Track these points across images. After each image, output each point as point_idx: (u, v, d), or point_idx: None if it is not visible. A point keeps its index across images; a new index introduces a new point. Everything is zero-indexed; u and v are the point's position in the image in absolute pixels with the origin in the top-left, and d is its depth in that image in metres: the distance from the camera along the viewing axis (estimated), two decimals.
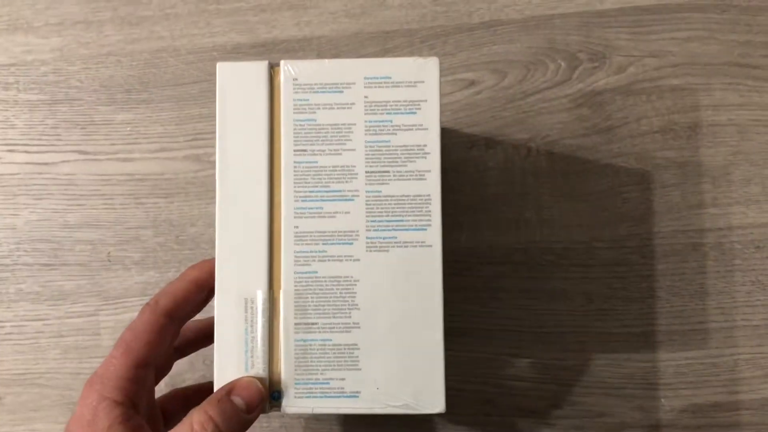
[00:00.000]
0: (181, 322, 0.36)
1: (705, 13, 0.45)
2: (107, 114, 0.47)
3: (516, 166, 0.45)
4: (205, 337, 0.40)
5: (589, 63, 0.45)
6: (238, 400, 0.32)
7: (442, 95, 0.46)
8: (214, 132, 0.46)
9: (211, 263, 0.35)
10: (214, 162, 0.46)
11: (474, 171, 0.45)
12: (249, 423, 0.32)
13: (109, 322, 0.46)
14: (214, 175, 0.46)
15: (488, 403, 0.44)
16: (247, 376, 0.33)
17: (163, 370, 0.38)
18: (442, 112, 0.46)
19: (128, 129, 0.47)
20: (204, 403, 0.31)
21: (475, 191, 0.45)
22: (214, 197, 0.46)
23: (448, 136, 0.45)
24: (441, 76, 0.44)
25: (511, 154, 0.45)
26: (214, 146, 0.47)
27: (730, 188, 0.44)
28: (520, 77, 0.45)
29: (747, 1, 0.45)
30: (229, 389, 0.32)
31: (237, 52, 0.47)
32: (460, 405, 0.44)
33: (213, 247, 0.46)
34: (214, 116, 0.46)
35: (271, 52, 0.47)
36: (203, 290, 0.35)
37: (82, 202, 0.47)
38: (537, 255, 0.44)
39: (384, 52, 0.46)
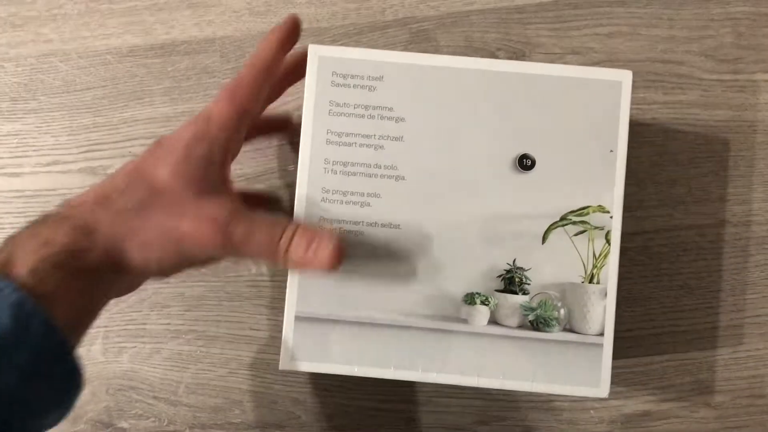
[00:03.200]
0: (272, 78, 0.36)
1: (627, 8, 0.45)
2: None
3: None
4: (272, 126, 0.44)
5: None
6: (311, 249, 0.33)
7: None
8: (110, 142, 0.45)
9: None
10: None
11: None
12: (309, 268, 0.33)
13: None
14: None
15: (411, 422, 0.43)
16: (336, 242, 0.33)
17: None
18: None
19: (15, 141, 0.45)
20: (303, 224, 0.33)
21: None
22: None
23: None
24: None
25: None
26: (111, 158, 0.45)
27: (656, 189, 0.44)
28: None
29: None
30: (316, 237, 0.33)
31: (133, 55, 0.45)
32: (384, 425, 0.43)
33: None
34: (110, 124, 0.45)
35: (171, 55, 0.45)
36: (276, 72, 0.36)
37: None
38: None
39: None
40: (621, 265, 0.43)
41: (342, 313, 0.35)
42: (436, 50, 0.44)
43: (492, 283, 0.35)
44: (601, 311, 0.35)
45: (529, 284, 0.35)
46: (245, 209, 0.33)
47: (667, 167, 0.44)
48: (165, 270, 0.33)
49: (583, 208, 0.35)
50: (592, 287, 0.35)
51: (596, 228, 0.35)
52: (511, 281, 0.35)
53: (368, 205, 0.35)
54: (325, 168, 0.35)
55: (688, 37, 0.44)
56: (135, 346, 0.44)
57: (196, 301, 0.44)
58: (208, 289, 0.44)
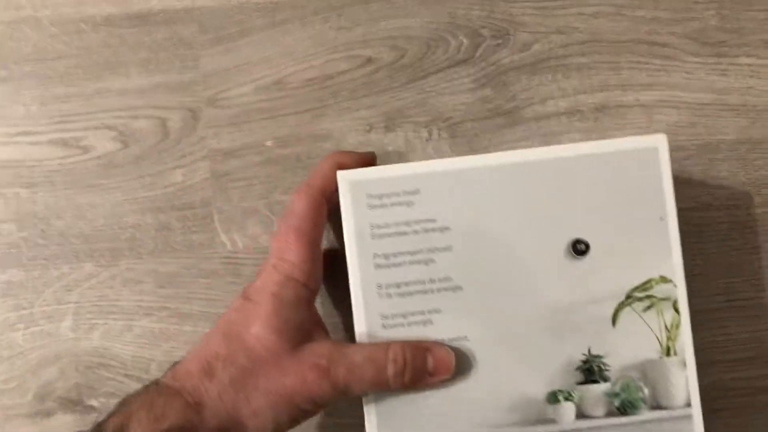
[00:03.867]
0: (329, 204, 0.37)
1: None
2: None
3: (417, 150, 0.44)
4: None
5: (492, 40, 0.44)
6: (430, 361, 0.34)
7: (337, 73, 0.44)
8: (83, 113, 0.44)
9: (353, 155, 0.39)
10: (84, 147, 0.44)
11: None
12: (425, 384, 0.34)
13: None
14: (83, 161, 0.44)
15: None
16: (447, 348, 0.34)
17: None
18: (336, 92, 0.44)
19: None
20: (404, 342, 0.34)
21: None
22: (83, 186, 0.43)
23: (344, 117, 0.44)
24: (336, 51, 0.43)
25: (412, 138, 0.44)
26: (83, 129, 0.44)
27: None
28: (420, 55, 0.44)
29: None
30: (429, 348, 0.34)
31: (108, 25, 0.44)
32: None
33: (84, 241, 0.43)
34: (83, 95, 0.44)
35: (147, 24, 0.44)
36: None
37: None
38: None
39: (273, 25, 0.44)
40: None
41: None
42: (421, 26, 0.44)
43: (571, 377, 0.35)
44: (684, 381, 0.35)
45: (608, 370, 0.35)
46: (341, 346, 0.34)
47: None
48: (282, 429, 0.34)
49: (646, 283, 0.35)
50: (671, 360, 0.35)
51: (663, 299, 0.35)
52: (590, 371, 0.35)
53: (431, 322, 0.35)
54: (379, 293, 0.35)
55: (672, 18, 0.44)
56: (106, 323, 0.43)
57: (169, 278, 0.43)
58: (182, 266, 0.43)
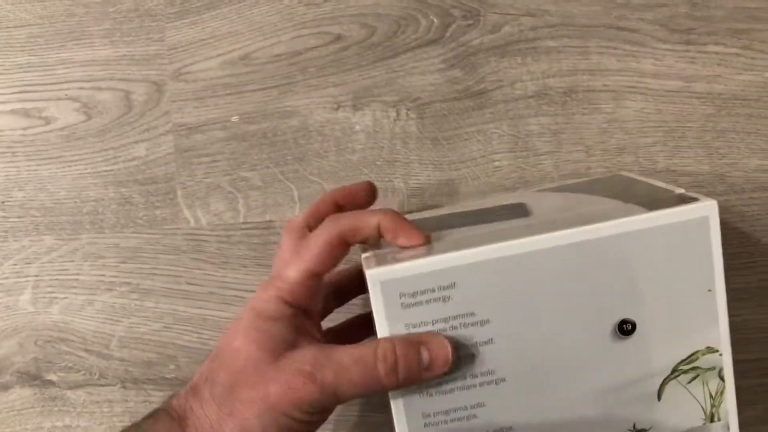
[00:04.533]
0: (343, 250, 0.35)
1: None
2: None
3: (385, 130, 0.44)
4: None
5: (462, 20, 0.44)
6: (425, 355, 0.32)
7: (305, 49, 0.44)
8: (46, 84, 0.43)
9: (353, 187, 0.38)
10: (46, 118, 0.43)
11: (340, 134, 0.44)
12: (421, 379, 0.33)
13: None
14: (45, 132, 0.43)
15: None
16: (443, 338, 0.33)
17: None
18: (305, 68, 0.44)
19: None
20: (394, 337, 0.32)
21: (341, 156, 0.44)
22: (44, 158, 0.43)
23: (312, 95, 0.43)
24: (305, 27, 0.43)
25: (380, 117, 0.44)
26: (46, 100, 0.43)
27: (604, 157, 0.44)
28: (390, 33, 0.44)
29: None
30: (422, 341, 0.32)
31: None
32: None
33: (44, 214, 0.43)
34: (45, 65, 0.43)
35: None
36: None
37: None
38: None
39: (244, 8, 0.44)
40: None
41: None
42: (391, 4, 0.44)
43: None
44: None
45: None
46: (327, 349, 0.32)
47: (615, 135, 0.44)
48: None
49: (692, 355, 0.34)
50: (715, 426, 0.35)
51: (708, 370, 0.35)
52: None
53: (475, 417, 0.34)
54: (420, 392, 0.33)
55: (643, 4, 0.44)
56: (66, 297, 0.43)
57: (131, 253, 0.43)
58: (144, 242, 0.43)
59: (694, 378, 0.35)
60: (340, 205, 0.37)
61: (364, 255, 0.34)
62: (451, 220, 0.38)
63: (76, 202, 0.43)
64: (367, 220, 0.34)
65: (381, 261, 0.33)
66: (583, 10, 0.44)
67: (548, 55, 0.44)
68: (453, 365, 0.32)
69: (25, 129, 0.43)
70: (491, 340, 0.33)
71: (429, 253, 0.33)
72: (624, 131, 0.44)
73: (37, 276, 0.43)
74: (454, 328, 0.33)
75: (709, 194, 0.44)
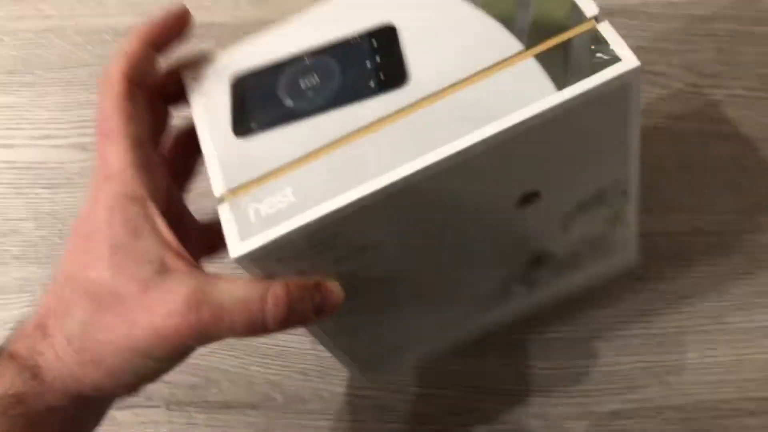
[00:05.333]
0: (146, 89, 0.31)
1: (614, 17, 0.47)
2: None
3: None
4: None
5: None
6: (317, 299, 0.29)
7: None
8: None
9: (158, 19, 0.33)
10: None
11: None
12: (310, 322, 0.30)
13: None
14: None
15: (384, 409, 0.45)
16: (334, 281, 0.30)
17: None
18: None
19: (9, 113, 0.46)
20: (291, 281, 0.28)
21: None
22: None
23: None
24: None
25: None
26: None
27: None
28: None
29: (656, 9, 0.47)
30: (319, 284, 0.29)
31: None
32: (356, 411, 0.45)
33: None
34: None
35: None
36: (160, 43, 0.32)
37: None
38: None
39: None
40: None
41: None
42: None
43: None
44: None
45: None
46: (206, 283, 0.27)
47: (642, 174, 0.46)
48: (143, 382, 0.29)
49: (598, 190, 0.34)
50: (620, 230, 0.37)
51: (611, 194, 0.35)
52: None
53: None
54: None
55: (671, 50, 0.47)
56: None
57: None
58: None
59: (598, 203, 0.35)
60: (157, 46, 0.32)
61: (221, 213, 0.29)
62: (291, 80, 0.32)
63: None
64: (126, 47, 0.30)
65: (243, 227, 0.28)
66: None
67: None
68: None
69: (83, 161, 0.46)
70: (383, 257, 0.31)
71: (291, 192, 0.28)
72: (651, 169, 0.46)
73: None
74: (342, 263, 0.30)
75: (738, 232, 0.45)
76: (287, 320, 0.28)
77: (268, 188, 0.29)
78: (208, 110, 0.31)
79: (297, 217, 0.27)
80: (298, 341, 0.45)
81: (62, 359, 0.27)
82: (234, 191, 0.29)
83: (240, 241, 0.27)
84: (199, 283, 0.27)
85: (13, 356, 0.27)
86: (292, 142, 0.30)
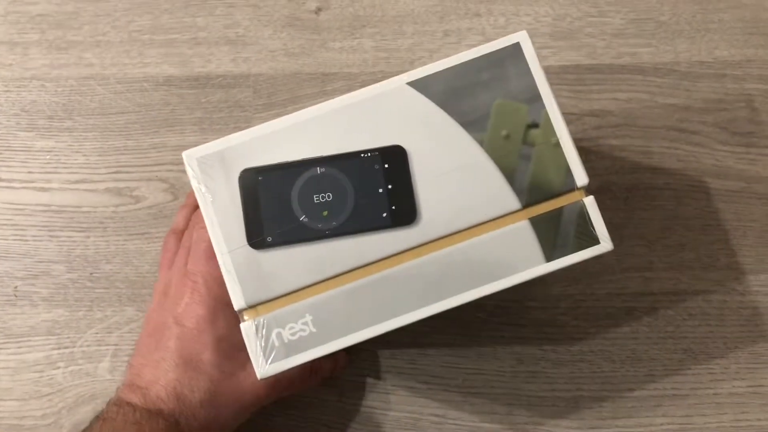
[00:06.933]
0: None
1: (646, 76, 0.48)
2: (26, 140, 0.48)
3: None
4: None
5: None
6: (333, 364, 0.45)
7: None
8: (138, 165, 0.47)
9: None
10: (136, 197, 0.47)
11: None
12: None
13: (9, 362, 0.45)
14: (134, 210, 0.47)
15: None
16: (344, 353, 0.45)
17: None
18: None
19: (48, 157, 0.47)
20: (324, 358, 0.35)
21: None
22: (132, 233, 0.47)
23: None
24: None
25: None
26: (138, 180, 0.47)
27: (666, 253, 0.46)
28: None
29: (687, 67, 0.48)
30: (338, 357, 0.45)
31: (168, 85, 0.48)
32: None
33: (128, 286, 0.46)
34: (140, 149, 0.47)
35: (205, 87, 0.48)
36: None
37: None
38: (468, 311, 0.45)
39: (323, 94, 0.48)
40: (627, 325, 0.45)
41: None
42: None
43: None
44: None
45: None
46: None
47: (677, 231, 0.46)
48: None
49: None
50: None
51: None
52: None
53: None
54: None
55: (703, 108, 0.47)
56: None
57: None
58: None
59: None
60: None
61: (244, 330, 0.33)
62: (304, 192, 0.34)
63: (157, 276, 0.46)
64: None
65: (268, 350, 0.33)
66: (646, 112, 0.47)
67: (611, 153, 0.47)
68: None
69: (116, 206, 0.47)
70: None
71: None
72: (686, 228, 0.46)
73: (116, 345, 0.46)
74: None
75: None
76: (319, 379, 0.43)
77: (289, 313, 0.33)
78: (218, 210, 0.33)
79: (318, 348, 0.33)
80: (323, 393, 0.45)
81: (196, 417, 0.37)
82: (255, 309, 0.33)
83: (266, 363, 0.33)
84: None
85: (160, 415, 0.37)
86: (308, 264, 0.33)
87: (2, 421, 0.45)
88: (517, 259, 0.33)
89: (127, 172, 0.47)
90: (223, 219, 0.33)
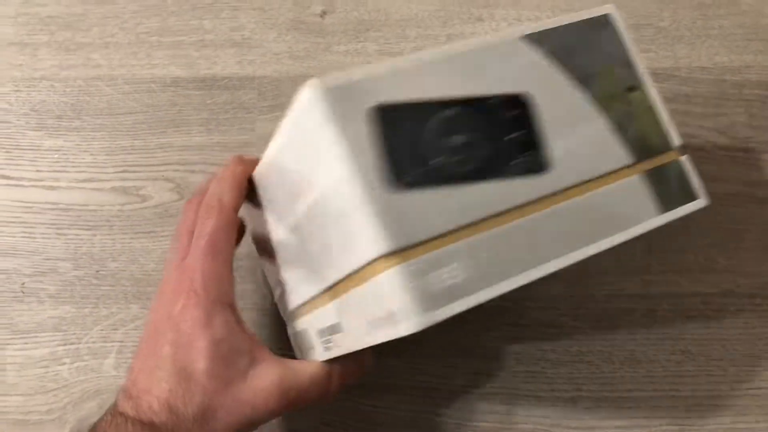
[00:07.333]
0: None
1: None
2: (35, 139, 0.49)
3: None
4: None
5: None
6: (357, 368, 0.39)
7: None
8: (145, 165, 0.48)
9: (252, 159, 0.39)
10: (142, 196, 0.48)
11: None
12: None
13: (16, 358, 0.46)
14: (140, 209, 0.48)
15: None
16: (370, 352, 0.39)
17: None
18: None
19: (56, 156, 0.48)
20: (344, 363, 0.37)
21: None
22: (138, 232, 0.47)
23: None
24: None
25: None
26: (143, 179, 0.48)
27: (664, 255, 0.46)
28: None
29: (687, 72, 0.48)
30: (363, 360, 0.39)
31: (175, 86, 0.49)
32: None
33: (134, 284, 0.47)
34: (146, 148, 0.48)
35: (211, 88, 0.49)
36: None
37: (0, 229, 0.48)
38: (469, 310, 0.46)
39: None
40: (626, 327, 0.45)
41: None
42: None
43: None
44: None
45: None
46: (288, 369, 0.36)
47: (676, 235, 0.47)
48: None
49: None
50: None
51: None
52: None
53: None
54: None
55: (703, 113, 0.48)
56: None
57: None
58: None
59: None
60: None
61: (391, 278, 0.29)
62: (438, 134, 0.32)
63: (163, 274, 0.47)
64: (232, 178, 0.38)
65: (424, 297, 0.29)
66: None
67: None
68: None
69: (122, 205, 0.48)
70: None
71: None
72: (685, 231, 0.47)
73: (121, 342, 0.47)
74: None
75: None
76: (339, 390, 0.38)
77: (437, 257, 0.29)
78: (350, 148, 0.29)
79: (473, 296, 0.29)
80: None
81: (191, 430, 0.34)
82: (402, 254, 0.29)
83: (422, 312, 0.28)
84: (283, 370, 0.36)
85: (153, 427, 0.34)
86: (447, 209, 0.30)
87: (8, 416, 0.46)
88: (635, 212, 0.34)
89: (134, 172, 0.48)
90: (354, 159, 0.29)
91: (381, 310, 0.29)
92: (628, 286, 0.46)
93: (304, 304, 0.37)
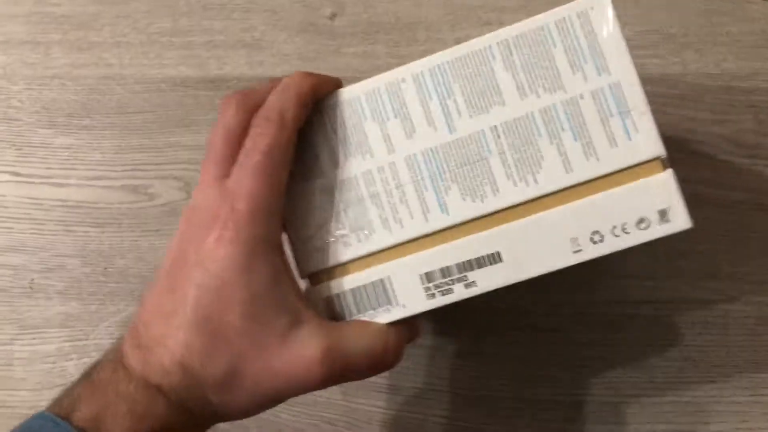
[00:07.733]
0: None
1: (654, 87, 0.48)
2: (46, 137, 0.49)
3: None
4: None
5: None
6: (412, 336, 0.33)
7: None
8: (154, 163, 0.49)
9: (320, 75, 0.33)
10: (151, 194, 0.48)
11: None
12: None
13: (23, 353, 0.47)
14: (148, 207, 0.48)
15: None
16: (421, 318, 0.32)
17: None
18: None
19: (66, 154, 0.49)
20: (397, 325, 0.31)
21: None
22: (146, 230, 0.48)
23: None
24: None
25: None
26: (152, 178, 0.49)
27: (668, 261, 0.46)
28: None
29: (695, 79, 0.48)
30: (413, 325, 0.33)
31: (185, 86, 0.49)
32: None
33: (141, 281, 0.47)
34: (156, 147, 0.49)
35: (220, 89, 0.49)
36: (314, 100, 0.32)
37: (10, 225, 0.48)
38: (472, 314, 0.46)
39: None
40: (628, 332, 0.46)
41: None
42: None
43: None
44: None
45: None
46: (336, 334, 0.29)
47: (680, 241, 0.47)
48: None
49: None
50: None
51: None
52: None
53: None
54: None
55: (710, 119, 0.48)
56: None
57: None
58: None
59: None
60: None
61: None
62: None
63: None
64: (295, 89, 0.31)
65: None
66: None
67: None
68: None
69: (131, 203, 0.48)
70: None
71: None
72: (689, 238, 0.46)
73: None
74: None
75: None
76: (398, 359, 0.31)
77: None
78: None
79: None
80: (328, 392, 0.46)
81: (210, 401, 0.28)
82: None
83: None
84: (330, 337, 0.29)
85: (160, 390, 0.28)
86: None
87: (15, 410, 0.46)
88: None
89: (143, 170, 0.49)
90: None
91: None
92: (631, 291, 0.46)
93: (389, 248, 0.32)
